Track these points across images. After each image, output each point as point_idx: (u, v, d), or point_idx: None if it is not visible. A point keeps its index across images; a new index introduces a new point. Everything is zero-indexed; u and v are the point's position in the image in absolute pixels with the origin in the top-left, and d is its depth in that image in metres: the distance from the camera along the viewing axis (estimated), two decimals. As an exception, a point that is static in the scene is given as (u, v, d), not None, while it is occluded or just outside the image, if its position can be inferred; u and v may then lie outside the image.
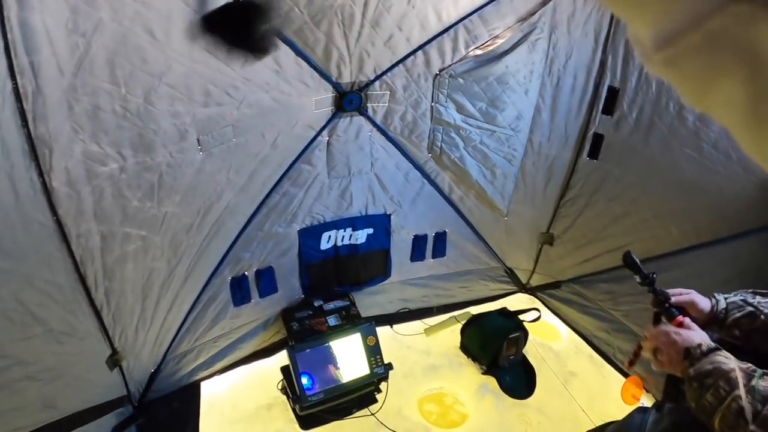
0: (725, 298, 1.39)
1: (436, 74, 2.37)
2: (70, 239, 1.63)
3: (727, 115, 0.25)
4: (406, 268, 3.04)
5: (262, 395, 2.58)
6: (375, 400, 2.58)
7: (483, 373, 2.79)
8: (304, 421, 2.44)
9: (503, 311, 3.04)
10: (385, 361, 2.56)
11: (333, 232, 2.71)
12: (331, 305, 2.81)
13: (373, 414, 2.51)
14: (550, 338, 3.08)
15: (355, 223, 2.74)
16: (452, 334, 3.05)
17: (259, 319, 2.70)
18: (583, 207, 2.78)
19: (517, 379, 2.75)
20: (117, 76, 1.51)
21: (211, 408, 2.49)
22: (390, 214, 2.80)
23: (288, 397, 2.49)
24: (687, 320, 1.33)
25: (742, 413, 1.01)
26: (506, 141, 2.66)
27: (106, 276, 1.82)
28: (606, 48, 2.35)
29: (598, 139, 2.54)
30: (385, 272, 2.99)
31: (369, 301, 3.02)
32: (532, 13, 2.27)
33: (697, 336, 1.24)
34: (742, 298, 1.37)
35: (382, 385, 2.62)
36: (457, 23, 2.18)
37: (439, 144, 2.61)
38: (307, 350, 2.42)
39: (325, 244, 2.72)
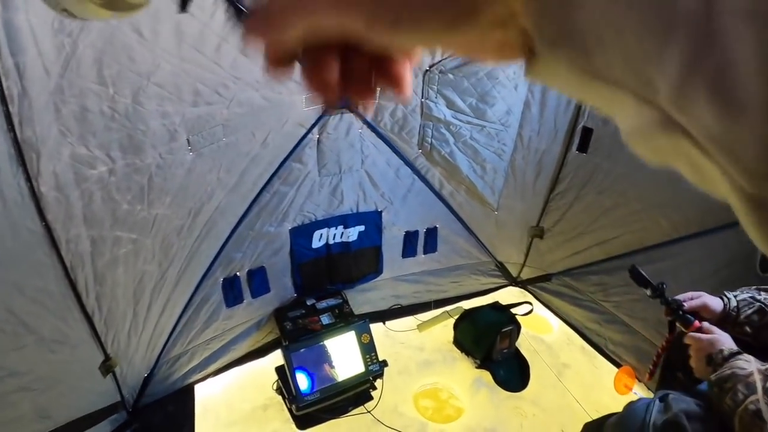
0: (735, 296, 1.41)
1: (426, 70, 2.37)
2: (60, 245, 1.59)
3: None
4: (397, 264, 3.04)
5: (257, 396, 2.56)
6: (371, 398, 2.58)
7: (477, 367, 2.81)
8: (301, 420, 2.43)
9: (495, 305, 3.06)
10: (380, 359, 2.56)
11: (324, 230, 2.70)
12: (323, 304, 2.80)
13: (369, 411, 2.50)
14: (542, 331, 3.11)
15: (347, 220, 2.73)
16: (445, 329, 3.06)
17: (252, 319, 2.68)
18: (572, 200, 2.81)
19: (511, 373, 2.77)
20: (104, 77, 1.48)
21: (206, 411, 2.46)
22: (381, 211, 2.79)
23: (284, 398, 2.47)
24: (705, 324, 1.35)
25: (759, 414, 1.05)
26: (496, 136, 2.67)
27: (97, 281, 1.78)
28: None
29: (587, 132, 2.56)
30: (377, 269, 2.99)
31: (361, 299, 3.02)
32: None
33: (718, 342, 1.26)
34: (750, 295, 1.40)
35: (378, 383, 2.62)
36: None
37: (429, 140, 2.61)
38: (302, 350, 2.41)
39: (316, 243, 2.71)
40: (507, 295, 3.32)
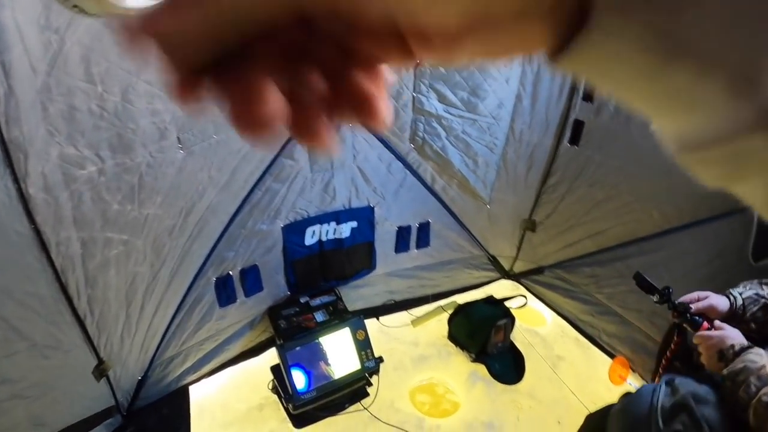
0: (740, 294, 1.43)
1: (417, 63, 2.34)
2: (50, 247, 1.55)
3: (749, 200, 0.23)
4: (390, 259, 3.03)
5: (252, 396, 2.54)
6: (367, 394, 2.57)
7: (472, 361, 2.81)
8: (297, 419, 2.41)
9: (489, 299, 3.07)
10: (375, 355, 2.55)
11: (317, 227, 2.67)
12: (317, 301, 2.78)
13: (366, 408, 2.49)
14: (535, 323, 3.13)
15: (339, 216, 2.71)
16: (439, 324, 3.06)
17: (246, 318, 2.65)
18: (564, 193, 2.81)
19: (507, 366, 2.78)
20: (93, 74, 1.44)
21: (202, 412, 2.43)
22: (374, 207, 2.78)
23: (279, 397, 2.45)
24: (717, 323, 1.37)
25: None
26: (488, 129, 2.67)
27: (88, 284, 1.74)
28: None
29: (578, 125, 2.56)
30: (370, 265, 2.98)
31: (355, 295, 3.00)
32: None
33: (728, 337, 1.28)
34: (754, 291, 1.41)
35: (374, 379, 2.61)
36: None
37: (421, 134, 2.60)
38: (297, 348, 2.39)
39: (309, 240, 2.68)
40: (500, 289, 3.33)
